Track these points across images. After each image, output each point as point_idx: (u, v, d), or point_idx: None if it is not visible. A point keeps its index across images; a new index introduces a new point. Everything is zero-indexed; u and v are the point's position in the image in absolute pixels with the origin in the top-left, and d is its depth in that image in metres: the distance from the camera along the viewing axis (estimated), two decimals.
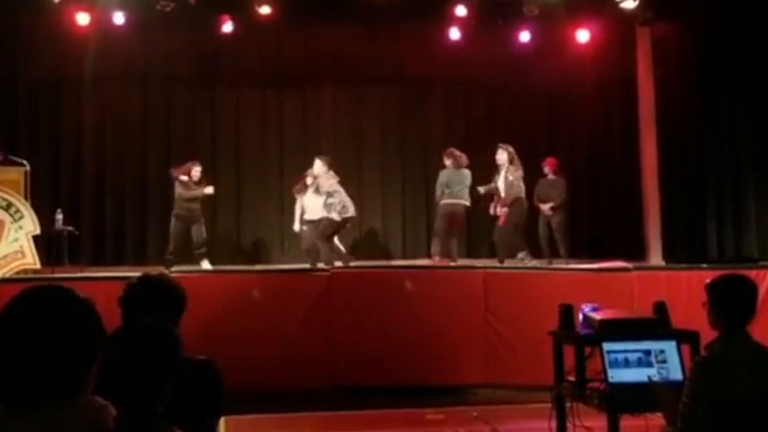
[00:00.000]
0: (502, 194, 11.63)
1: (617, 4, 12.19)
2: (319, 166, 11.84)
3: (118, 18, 12.34)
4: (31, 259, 9.92)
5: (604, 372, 5.12)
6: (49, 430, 1.87)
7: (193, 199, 12.00)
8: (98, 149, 13.40)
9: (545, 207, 12.29)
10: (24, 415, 1.87)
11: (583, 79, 13.91)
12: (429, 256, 12.06)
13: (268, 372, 8.48)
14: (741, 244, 13.58)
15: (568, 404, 5.70)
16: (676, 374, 5.05)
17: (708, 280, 3.97)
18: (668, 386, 4.44)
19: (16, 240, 9.86)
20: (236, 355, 7.47)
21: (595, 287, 8.69)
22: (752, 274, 7.43)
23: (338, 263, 11.22)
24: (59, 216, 10.98)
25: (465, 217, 12.06)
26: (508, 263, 11.38)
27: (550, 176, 12.51)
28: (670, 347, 5.21)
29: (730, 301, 3.83)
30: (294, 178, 13.68)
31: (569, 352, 5.65)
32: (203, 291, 8.07)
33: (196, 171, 12.08)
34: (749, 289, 3.92)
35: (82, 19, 12.35)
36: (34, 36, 12.86)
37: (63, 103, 13.35)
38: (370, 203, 13.71)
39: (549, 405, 5.91)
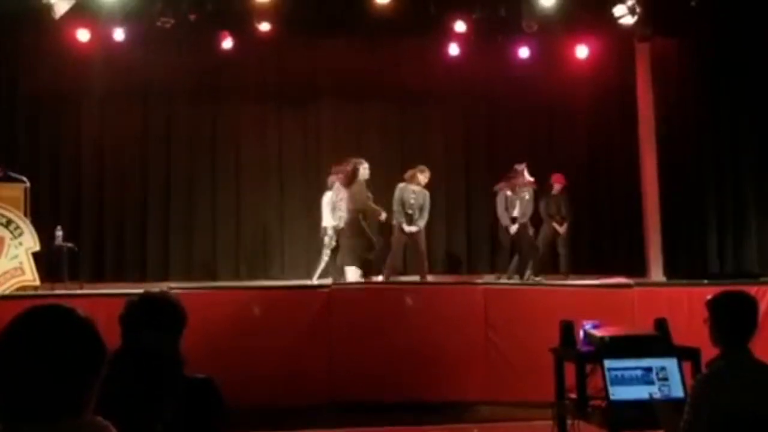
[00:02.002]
0: None
1: (616, 20, 12.20)
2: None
3: (119, 34, 12.37)
4: (30, 276, 9.89)
5: (606, 389, 5.11)
6: None
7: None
8: (98, 165, 13.40)
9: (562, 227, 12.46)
10: None
11: (582, 95, 13.94)
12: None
13: (269, 388, 8.46)
14: (742, 260, 13.56)
15: (569, 422, 5.69)
16: (678, 391, 5.05)
17: (709, 297, 3.97)
18: (670, 403, 4.44)
19: (15, 257, 9.84)
20: (236, 372, 7.46)
21: (596, 303, 8.68)
22: (753, 290, 7.42)
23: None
24: (59, 232, 10.97)
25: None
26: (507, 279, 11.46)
27: (558, 191, 12.67)
28: (671, 364, 5.21)
29: (731, 318, 3.82)
30: (294, 193, 13.73)
31: (570, 369, 5.64)
32: (204, 308, 8.04)
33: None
34: (750, 305, 3.91)
35: (83, 35, 12.39)
36: (35, 52, 12.89)
37: (63, 119, 13.37)
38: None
39: (550, 422, 5.89)
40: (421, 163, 11.92)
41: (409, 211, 11.51)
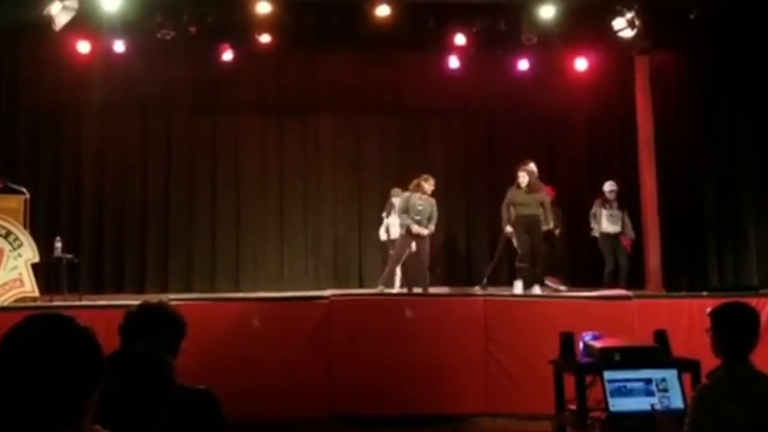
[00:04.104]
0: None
1: (615, 33, 12.22)
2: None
3: (119, 46, 12.38)
4: (29, 287, 9.88)
5: (606, 401, 5.10)
6: None
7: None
8: (98, 177, 13.40)
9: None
10: None
11: (581, 108, 13.96)
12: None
13: (267, 401, 8.44)
14: (741, 272, 13.55)
15: None
16: (678, 403, 5.04)
17: (711, 308, 3.97)
18: (669, 415, 4.42)
19: (15, 268, 9.83)
20: (235, 384, 7.45)
21: (596, 315, 8.66)
22: (752, 302, 7.41)
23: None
24: (58, 244, 10.95)
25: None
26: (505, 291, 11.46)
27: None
28: (671, 376, 5.20)
29: (732, 329, 3.82)
30: (294, 206, 13.72)
31: (570, 381, 5.63)
32: (203, 319, 8.03)
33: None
34: (752, 317, 3.91)
35: (83, 47, 12.40)
36: (36, 64, 12.92)
37: (63, 130, 13.36)
38: (369, 231, 13.69)
39: None
40: (420, 175, 11.91)
41: (417, 217, 11.51)
